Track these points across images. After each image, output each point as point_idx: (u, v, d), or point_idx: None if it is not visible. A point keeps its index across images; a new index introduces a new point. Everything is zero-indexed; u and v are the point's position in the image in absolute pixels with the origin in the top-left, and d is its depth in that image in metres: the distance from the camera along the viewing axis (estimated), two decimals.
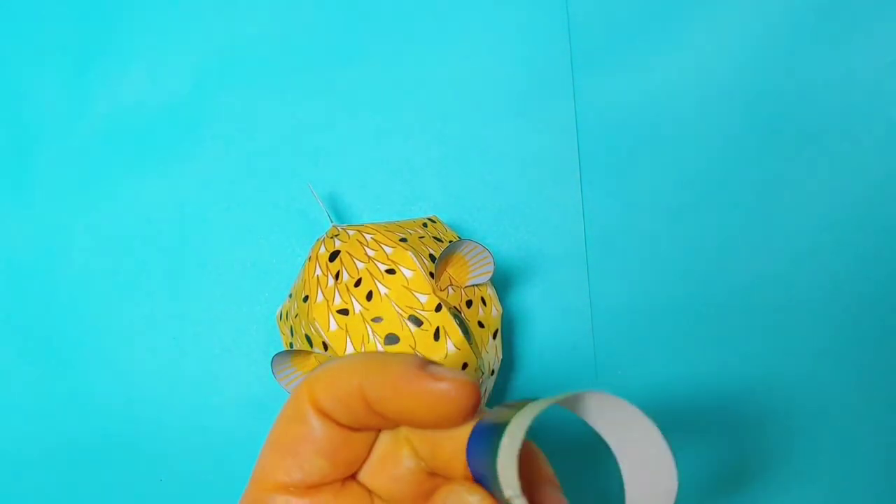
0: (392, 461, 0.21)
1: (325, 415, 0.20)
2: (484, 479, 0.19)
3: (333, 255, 0.30)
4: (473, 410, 0.18)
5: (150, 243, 0.38)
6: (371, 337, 0.28)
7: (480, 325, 0.31)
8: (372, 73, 0.38)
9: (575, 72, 0.37)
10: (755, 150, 0.36)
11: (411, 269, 0.29)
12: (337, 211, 0.38)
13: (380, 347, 0.28)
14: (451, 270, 0.30)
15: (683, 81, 0.37)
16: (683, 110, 0.37)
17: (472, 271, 0.30)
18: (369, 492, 0.21)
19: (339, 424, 0.20)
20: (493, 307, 0.32)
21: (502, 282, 0.36)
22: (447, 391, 0.17)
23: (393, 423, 0.19)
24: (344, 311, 0.29)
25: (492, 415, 0.20)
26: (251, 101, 0.39)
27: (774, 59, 0.36)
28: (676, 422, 0.35)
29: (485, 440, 0.19)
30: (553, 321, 0.36)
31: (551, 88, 0.37)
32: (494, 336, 0.31)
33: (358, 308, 0.28)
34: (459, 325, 0.28)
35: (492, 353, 0.31)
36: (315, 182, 0.38)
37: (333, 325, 0.28)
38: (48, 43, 0.40)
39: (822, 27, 0.36)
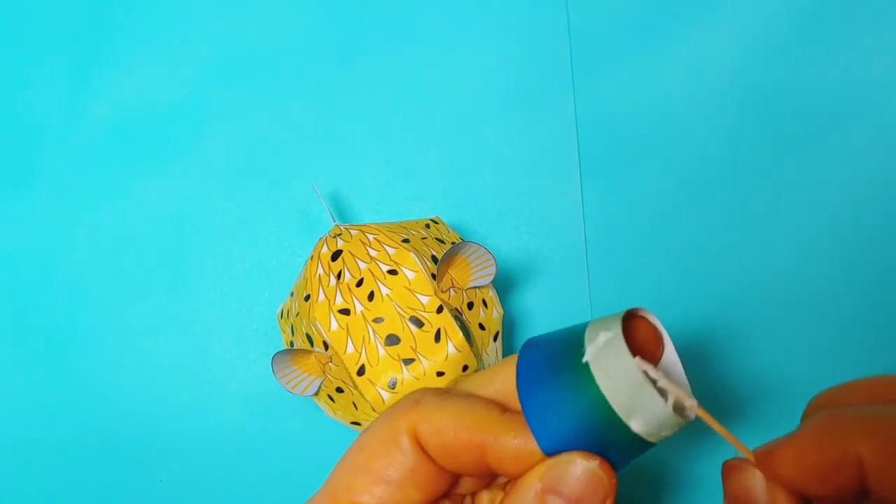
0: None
1: (423, 451, 0.20)
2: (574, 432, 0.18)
3: (336, 255, 0.30)
4: None
5: (151, 243, 0.38)
6: (372, 337, 0.28)
7: (481, 327, 0.31)
8: (371, 73, 0.38)
9: (575, 72, 0.37)
10: (756, 150, 0.36)
11: (413, 271, 0.29)
12: (337, 210, 0.38)
13: (380, 348, 0.28)
14: (452, 272, 0.30)
15: (683, 81, 0.37)
16: (684, 110, 0.37)
17: (473, 273, 0.30)
18: None
19: (435, 462, 0.20)
20: (495, 309, 0.32)
21: (501, 282, 0.36)
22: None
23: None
24: (345, 311, 0.29)
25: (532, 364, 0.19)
26: (252, 101, 0.39)
27: (774, 58, 0.36)
28: None
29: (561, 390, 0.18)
30: (553, 321, 0.36)
31: (551, 88, 0.37)
32: (495, 338, 0.31)
33: (359, 308, 0.28)
34: (461, 327, 0.28)
35: (492, 355, 0.31)
36: (315, 181, 0.37)
37: (335, 325, 0.29)
38: (48, 43, 0.40)
39: (822, 27, 0.36)
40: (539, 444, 0.19)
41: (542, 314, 0.36)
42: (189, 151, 0.39)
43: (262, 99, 0.39)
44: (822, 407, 0.20)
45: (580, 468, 0.18)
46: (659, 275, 0.36)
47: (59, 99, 0.40)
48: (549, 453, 0.19)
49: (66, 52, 0.40)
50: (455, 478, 0.21)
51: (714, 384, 0.35)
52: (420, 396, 0.21)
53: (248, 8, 0.39)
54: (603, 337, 0.18)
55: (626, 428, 0.18)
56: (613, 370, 0.18)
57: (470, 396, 0.21)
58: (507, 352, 0.36)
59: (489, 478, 0.22)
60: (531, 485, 0.19)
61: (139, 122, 0.39)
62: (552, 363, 0.19)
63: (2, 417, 0.38)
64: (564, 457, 0.19)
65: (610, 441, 0.18)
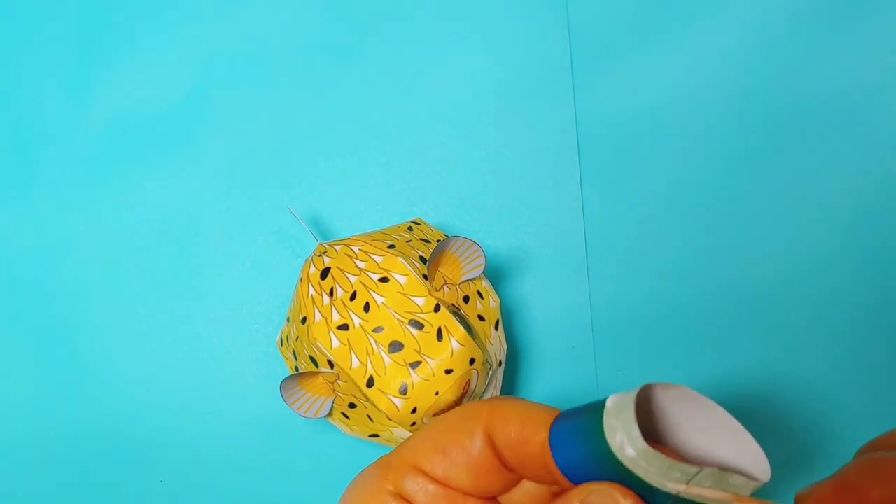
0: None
1: (491, 445, 0.21)
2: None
3: (324, 273, 0.30)
4: None
5: (151, 243, 0.38)
6: (375, 348, 0.28)
7: (480, 318, 0.31)
8: (371, 73, 0.38)
9: (575, 72, 0.37)
10: (756, 151, 0.36)
11: (404, 275, 0.29)
12: (338, 212, 0.38)
13: (385, 357, 0.28)
14: (443, 269, 0.30)
15: (684, 81, 0.37)
16: (684, 110, 0.37)
17: (464, 267, 0.30)
18: None
19: (499, 458, 0.21)
20: (491, 299, 0.32)
21: (503, 282, 0.37)
22: None
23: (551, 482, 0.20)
24: (344, 327, 0.29)
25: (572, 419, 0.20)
26: (252, 101, 0.39)
27: (775, 58, 0.36)
28: None
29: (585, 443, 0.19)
30: (553, 322, 0.36)
31: (551, 88, 0.37)
32: (496, 327, 0.31)
33: (357, 321, 0.28)
34: (460, 322, 0.28)
35: (496, 344, 0.31)
36: (315, 181, 0.38)
37: (336, 343, 0.28)
38: (48, 43, 0.40)
39: (822, 28, 0.36)
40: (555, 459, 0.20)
41: (543, 315, 0.36)
42: (189, 151, 0.39)
43: (263, 99, 0.39)
44: (871, 450, 0.20)
45: (614, 500, 0.19)
46: (659, 274, 0.36)
47: (59, 99, 0.40)
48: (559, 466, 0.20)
49: (66, 52, 0.40)
50: (508, 485, 0.22)
51: (713, 384, 0.35)
52: (497, 398, 0.22)
53: (249, 9, 0.39)
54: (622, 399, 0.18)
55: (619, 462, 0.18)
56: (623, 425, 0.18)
57: (536, 403, 0.22)
58: (510, 340, 0.36)
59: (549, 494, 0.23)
60: (571, 501, 0.19)
61: (139, 122, 0.39)
62: (582, 436, 0.20)
63: (2, 417, 0.38)
64: (606, 486, 0.19)
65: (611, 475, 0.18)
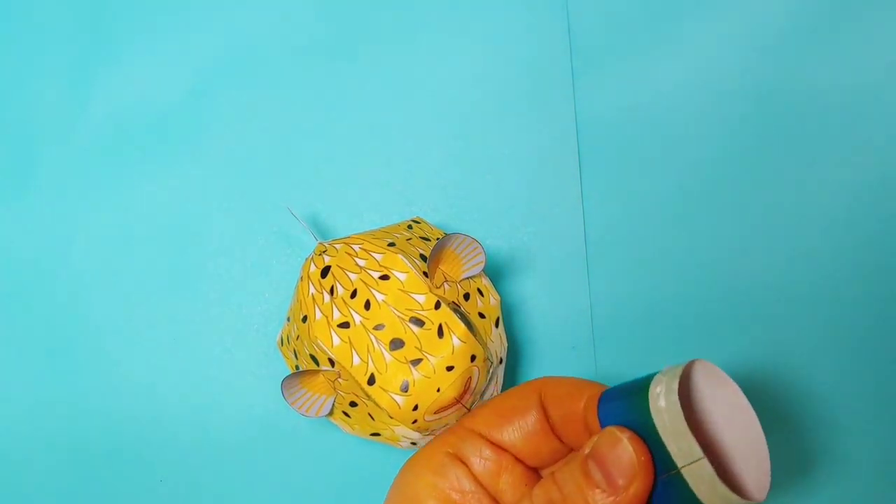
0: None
1: (544, 409, 0.24)
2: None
3: (325, 271, 0.30)
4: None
5: (151, 243, 0.38)
6: (376, 345, 0.28)
7: (481, 315, 0.31)
8: (372, 73, 0.38)
9: (575, 72, 0.37)
10: (756, 150, 0.36)
11: (404, 272, 0.29)
12: (338, 212, 0.38)
13: (386, 354, 0.28)
14: (443, 267, 0.30)
15: (683, 81, 0.37)
16: (684, 110, 0.37)
17: (464, 264, 0.30)
18: (533, 482, 0.24)
19: (549, 422, 0.24)
20: (491, 296, 0.32)
21: (503, 282, 0.37)
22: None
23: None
24: (345, 325, 0.28)
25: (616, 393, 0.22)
26: (252, 100, 0.39)
27: (775, 58, 0.36)
28: None
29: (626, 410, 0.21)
30: (553, 322, 0.36)
31: (551, 88, 0.37)
32: (497, 325, 0.31)
33: (358, 319, 0.28)
34: (461, 319, 0.28)
35: (497, 341, 0.31)
36: (315, 181, 0.38)
37: (336, 341, 0.28)
38: (49, 43, 0.40)
39: (822, 28, 0.36)
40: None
41: (543, 314, 0.36)
42: (189, 151, 0.39)
43: (263, 99, 0.39)
44: None
45: (612, 437, 0.20)
46: (659, 274, 0.36)
47: (59, 99, 0.40)
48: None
49: (66, 52, 0.40)
50: (554, 455, 0.25)
51: None
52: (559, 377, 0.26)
53: (249, 9, 0.39)
54: (668, 376, 0.21)
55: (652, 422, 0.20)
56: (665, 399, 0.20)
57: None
58: (510, 341, 0.36)
59: None
60: (584, 449, 0.21)
61: (139, 121, 0.39)
62: (627, 387, 0.22)
63: (2, 417, 0.38)
64: (608, 429, 0.21)
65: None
